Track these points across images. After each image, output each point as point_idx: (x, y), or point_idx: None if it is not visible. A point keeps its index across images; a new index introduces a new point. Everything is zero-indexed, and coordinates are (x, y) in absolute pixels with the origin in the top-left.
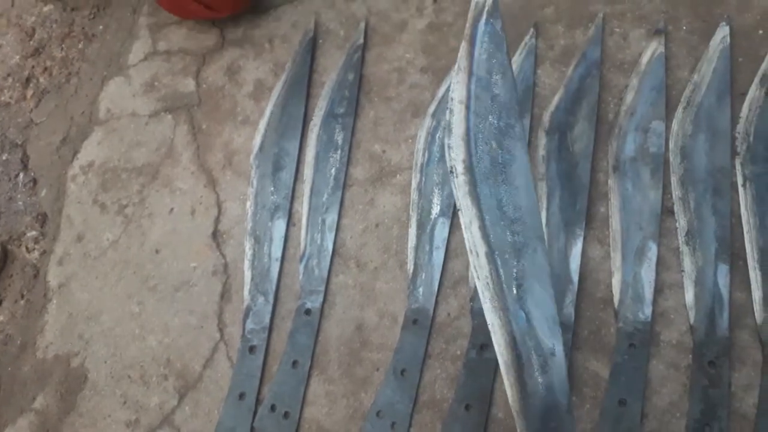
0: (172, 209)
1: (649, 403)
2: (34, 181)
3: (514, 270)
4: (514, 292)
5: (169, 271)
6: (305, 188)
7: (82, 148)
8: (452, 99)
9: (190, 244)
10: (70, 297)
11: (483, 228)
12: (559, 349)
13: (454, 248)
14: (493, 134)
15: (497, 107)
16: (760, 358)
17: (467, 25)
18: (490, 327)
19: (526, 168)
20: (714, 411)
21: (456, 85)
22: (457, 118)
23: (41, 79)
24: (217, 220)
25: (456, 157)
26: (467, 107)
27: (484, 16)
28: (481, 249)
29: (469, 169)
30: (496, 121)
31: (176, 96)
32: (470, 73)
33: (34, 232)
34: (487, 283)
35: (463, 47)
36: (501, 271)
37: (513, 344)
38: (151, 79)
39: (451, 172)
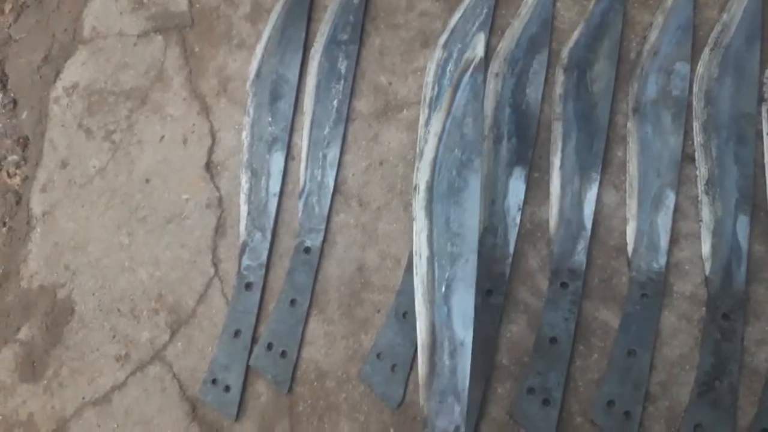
0: (162, 137)
1: (658, 355)
2: (14, 102)
3: (447, 273)
4: (443, 290)
5: (159, 201)
6: (305, 120)
7: (65, 68)
8: (428, 131)
9: (182, 174)
10: (55, 225)
11: (430, 237)
12: (468, 342)
13: None
14: (455, 164)
15: (463, 143)
16: None
17: (456, 74)
18: (417, 314)
19: (475, 195)
20: (725, 365)
21: (434, 121)
22: (429, 147)
23: None
24: (211, 151)
25: (422, 177)
26: (440, 139)
27: (470, 70)
28: (425, 253)
29: (430, 189)
30: (459, 155)
31: (167, 15)
32: (448, 114)
33: (15, 157)
34: (423, 280)
35: (448, 92)
36: (437, 272)
37: (432, 331)
38: None
39: (415, 189)
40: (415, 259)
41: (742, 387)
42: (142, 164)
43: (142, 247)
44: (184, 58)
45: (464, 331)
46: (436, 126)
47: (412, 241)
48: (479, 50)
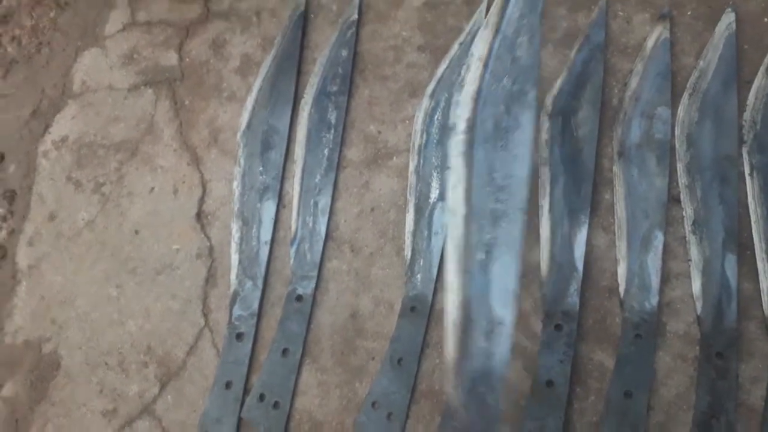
0: (152, 188)
1: (655, 395)
2: (2, 156)
3: (488, 236)
4: (482, 257)
5: (149, 253)
6: (296, 169)
7: (54, 122)
8: (472, 54)
9: (172, 225)
10: (42, 279)
11: (468, 190)
12: (509, 321)
13: None
14: (503, 97)
15: (515, 70)
16: (767, 350)
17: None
18: (447, 285)
19: (529, 138)
20: (721, 403)
21: (479, 41)
22: (472, 76)
23: (9, 49)
24: (202, 201)
25: (461, 114)
26: (485, 65)
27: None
28: (461, 210)
29: (471, 128)
30: (510, 85)
31: (157, 69)
32: (497, 31)
33: (1, 210)
34: (458, 245)
35: (497, 2)
36: (474, 235)
37: (466, 306)
38: (129, 51)
39: (452, 128)
40: (449, 218)
41: (739, 425)
42: (131, 216)
43: (131, 299)
44: (174, 110)
45: (504, 308)
46: (480, 48)
47: (405, 286)
48: None
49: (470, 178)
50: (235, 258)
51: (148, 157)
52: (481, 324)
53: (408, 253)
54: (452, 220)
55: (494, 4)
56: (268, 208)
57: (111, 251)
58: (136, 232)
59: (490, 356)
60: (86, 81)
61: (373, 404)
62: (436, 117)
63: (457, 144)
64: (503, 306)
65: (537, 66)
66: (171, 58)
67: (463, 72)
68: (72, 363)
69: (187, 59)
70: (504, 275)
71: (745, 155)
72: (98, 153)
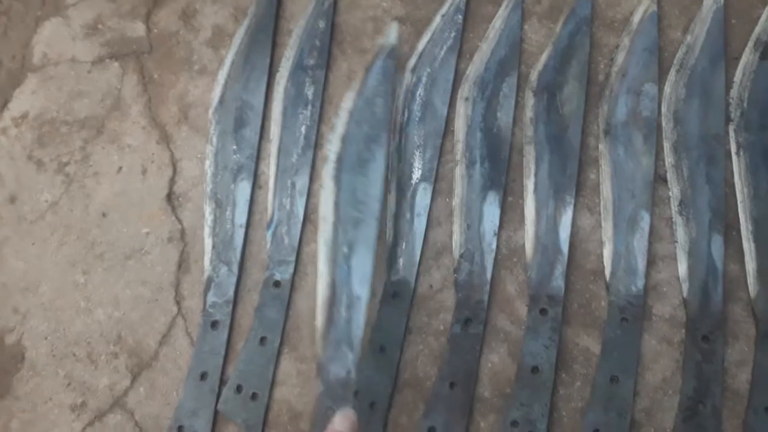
0: (120, 168)
1: (641, 380)
2: None
3: (350, 236)
4: (345, 251)
5: (118, 237)
6: (272, 147)
7: (13, 98)
8: (342, 107)
9: (141, 207)
10: (2, 265)
11: (336, 203)
12: (364, 297)
13: (436, 216)
14: (363, 138)
15: (373, 120)
16: (753, 332)
17: (371, 59)
18: (319, 272)
19: (381, 167)
20: (707, 387)
21: (347, 99)
22: (341, 121)
23: None
24: (172, 181)
25: (332, 149)
26: (350, 115)
27: (384, 55)
28: (330, 218)
29: (340, 160)
30: (368, 130)
31: (123, 41)
32: (360, 93)
33: None
34: (327, 243)
35: (360, 75)
36: (340, 235)
37: (332, 287)
38: (93, 21)
39: (325, 159)
40: (321, 224)
41: (726, 410)
42: (98, 197)
43: (99, 285)
44: (142, 85)
45: (361, 288)
46: (347, 103)
47: (387, 271)
48: (392, 38)
49: (338, 194)
50: (208, 242)
51: (115, 134)
52: (343, 299)
53: (390, 236)
54: (323, 225)
55: (359, 75)
56: (243, 189)
57: (76, 235)
58: (104, 214)
59: (350, 322)
60: (47, 53)
61: (356, 394)
62: (418, 93)
63: (329, 170)
64: (361, 286)
65: (389, 118)
66: (138, 29)
67: (333, 120)
68: (37, 355)
69: (155, 30)
70: (361, 264)
71: (731, 134)
72: (61, 130)
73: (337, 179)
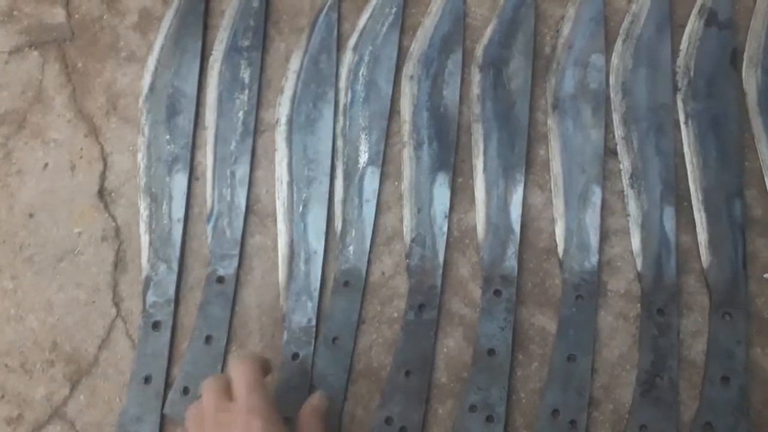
0: (46, 164)
1: (598, 357)
2: None
3: (304, 195)
4: (300, 209)
5: (47, 238)
6: (208, 136)
7: None
8: (289, 68)
9: (71, 205)
10: None
11: (290, 164)
12: (320, 251)
13: (385, 200)
14: (311, 97)
15: (319, 78)
16: (707, 303)
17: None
18: (278, 231)
19: (329, 124)
20: (664, 361)
21: (294, 58)
22: (289, 84)
23: None
24: (103, 176)
25: (282, 112)
26: (298, 76)
27: (325, 10)
28: (285, 179)
29: (290, 121)
30: (315, 88)
31: (42, 28)
32: (306, 51)
33: None
34: (284, 203)
35: (305, 31)
36: (295, 195)
37: (291, 244)
38: (8, 7)
39: (277, 122)
40: (277, 185)
41: (683, 381)
42: (23, 197)
43: (29, 291)
44: (65, 74)
45: (317, 243)
46: (294, 64)
47: (337, 259)
48: None
49: (291, 155)
50: (145, 239)
51: (39, 129)
52: (302, 254)
53: (338, 223)
54: (279, 187)
55: (304, 31)
56: (179, 182)
57: (2, 238)
58: (31, 215)
59: (308, 275)
60: None
61: (310, 388)
62: (360, 73)
63: (281, 132)
64: (317, 241)
65: (334, 73)
66: (58, 15)
67: (282, 81)
68: None
69: (77, 15)
70: (316, 220)
71: (679, 103)
72: None
73: (290, 141)
